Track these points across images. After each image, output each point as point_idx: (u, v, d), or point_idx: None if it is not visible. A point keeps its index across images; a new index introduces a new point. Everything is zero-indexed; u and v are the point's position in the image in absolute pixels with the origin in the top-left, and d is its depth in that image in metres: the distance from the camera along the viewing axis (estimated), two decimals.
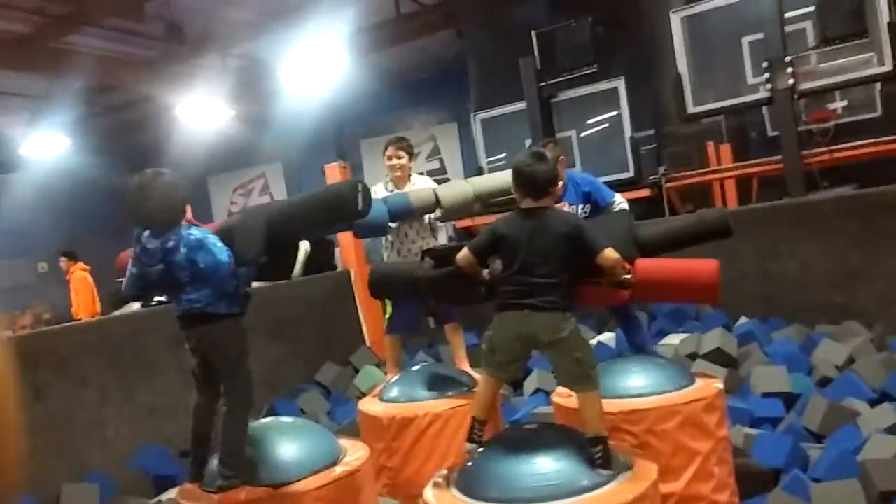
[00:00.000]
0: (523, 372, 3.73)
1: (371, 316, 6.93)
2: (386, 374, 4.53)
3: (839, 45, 7.31)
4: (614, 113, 9.60)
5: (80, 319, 9.37)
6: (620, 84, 9.46)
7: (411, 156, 4.54)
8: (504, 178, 4.02)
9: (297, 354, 6.36)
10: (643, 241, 3.02)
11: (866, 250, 5.52)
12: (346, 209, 2.70)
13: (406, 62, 12.82)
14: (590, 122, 9.84)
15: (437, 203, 4.19)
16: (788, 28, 7.49)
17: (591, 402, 2.53)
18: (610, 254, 2.55)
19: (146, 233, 2.72)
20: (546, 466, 2.36)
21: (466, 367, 4.26)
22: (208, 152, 14.18)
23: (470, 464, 2.54)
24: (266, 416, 4.98)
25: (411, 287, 3.20)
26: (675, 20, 8.08)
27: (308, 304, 6.67)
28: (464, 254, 2.72)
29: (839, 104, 8.89)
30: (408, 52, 12.26)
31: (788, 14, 7.54)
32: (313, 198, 2.82)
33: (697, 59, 8.16)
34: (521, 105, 9.51)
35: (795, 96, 7.36)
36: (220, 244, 2.68)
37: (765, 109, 9.10)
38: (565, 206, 3.97)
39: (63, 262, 9.90)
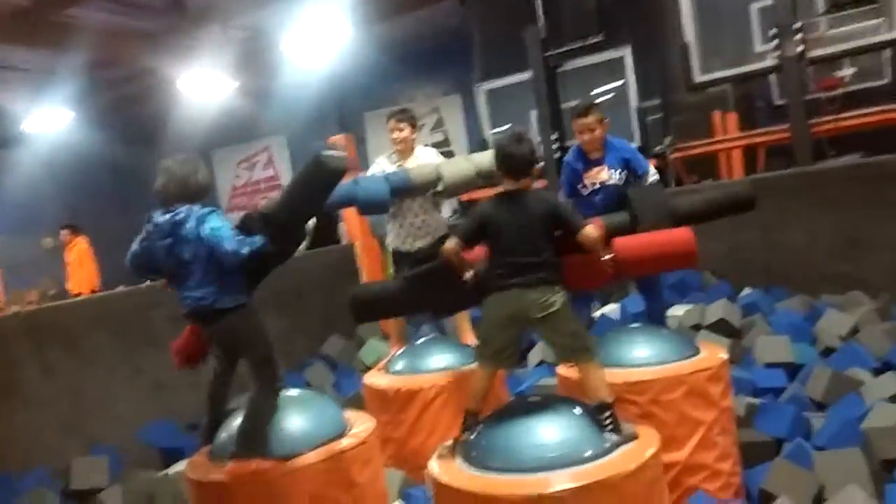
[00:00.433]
0: (521, 353, 3.72)
1: None
2: (391, 347, 4.55)
3: (849, 11, 7.19)
4: (620, 82, 9.50)
5: (78, 294, 9.41)
6: (627, 53, 9.35)
7: (414, 128, 4.50)
8: None
9: (303, 327, 6.40)
10: (678, 212, 3.04)
11: (872, 219, 5.49)
12: (331, 172, 2.67)
13: (409, 32, 12.67)
14: (596, 91, 9.73)
15: (438, 179, 4.17)
16: None
17: (593, 370, 2.55)
18: (589, 231, 2.64)
19: (158, 211, 2.76)
20: (549, 436, 2.39)
21: (470, 339, 4.28)
22: (211, 126, 14.11)
23: (474, 435, 2.56)
24: None
25: (395, 305, 3.21)
26: None
27: (313, 278, 6.68)
28: (450, 244, 2.75)
29: (847, 72, 8.77)
30: (411, 22, 12.12)
31: None
32: (296, 180, 2.81)
33: (704, 27, 8.03)
34: (525, 75, 9.39)
35: (804, 64, 7.26)
36: (227, 222, 2.70)
37: (772, 78, 8.98)
38: (605, 170, 3.92)
39: (64, 235, 9.87)
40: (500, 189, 2.72)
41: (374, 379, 3.83)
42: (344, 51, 11.24)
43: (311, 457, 2.67)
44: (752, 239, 6.02)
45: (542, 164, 3.76)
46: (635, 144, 9.15)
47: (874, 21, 7.16)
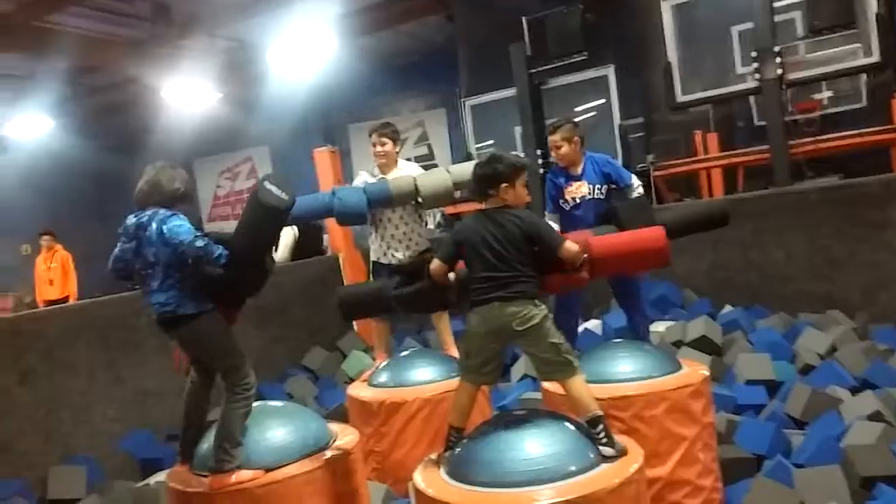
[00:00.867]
0: (504, 368, 3.72)
1: None
2: (375, 359, 4.54)
3: (827, 36, 7.35)
4: (603, 100, 9.60)
5: (66, 299, 9.31)
6: (610, 72, 9.46)
7: (396, 142, 4.50)
8: None
9: (285, 339, 6.36)
10: (662, 225, 3.08)
11: (850, 240, 5.59)
12: (267, 210, 2.67)
13: (395, 46, 12.75)
14: (579, 109, 9.84)
15: (416, 191, 4.19)
16: (778, 18, 7.51)
17: (578, 385, 2.56)
18: (570, 246, 2.68)
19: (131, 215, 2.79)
20: (534, 451, 2.39)
21: (454, 351, 4.28)
22: (194, 135, 14.07)
23: (459, 448, 2.56)
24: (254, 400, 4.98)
25: (380, 305, 3.23)
26: (666, 8, 8.09)
27: (296, 289, 6.66)
28: (435, 265, 2.79)
29: (825, 94, 8.95)
30: (397, 36, 12.20)
31: (778, 4, 7.56)
32: (245, 214, 2.79)
33: (687, 48, 8.17)
34: (510, 91, 9.46)
35: (783, 86, 7.40)
36: (189, 224, 2.71)
37: (752, 99, 9.14)
38: (584, 185, 4.00)
39: (48, 241, 9.73)
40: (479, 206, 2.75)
41: (358, 391, 3.81)
42: (329, 63, 11.28)
43: (294, 468, 2.66)
44: (731, 257, 6.10)
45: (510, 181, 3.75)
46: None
47: (851, 46, 7.33)
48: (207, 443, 2.75)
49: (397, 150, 4.52)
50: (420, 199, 4.25)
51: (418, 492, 2.48)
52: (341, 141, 13.73)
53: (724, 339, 5.10)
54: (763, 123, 8.35)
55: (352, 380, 5.31)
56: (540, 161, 8.66)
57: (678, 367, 3.16)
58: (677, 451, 2.94)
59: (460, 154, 11.83)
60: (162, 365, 4.89)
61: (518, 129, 9.54)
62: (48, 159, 13.78)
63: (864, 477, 2.95)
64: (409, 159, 4.81)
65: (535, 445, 2.41)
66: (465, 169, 3.93)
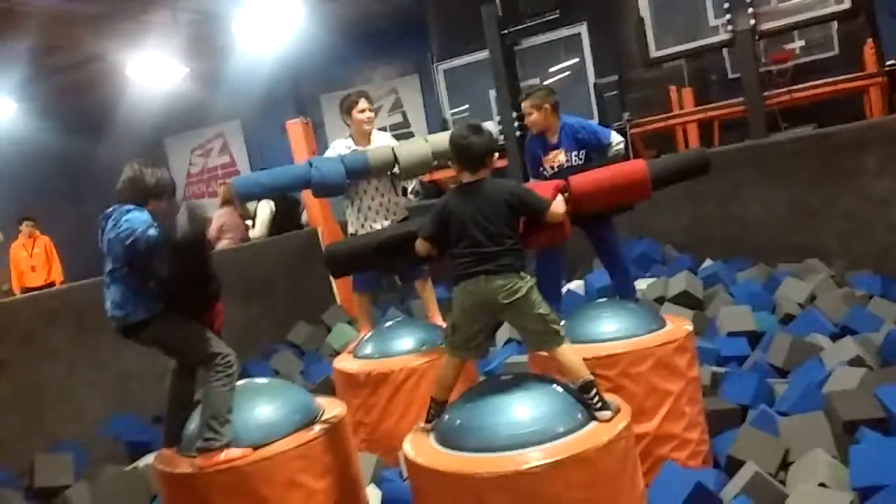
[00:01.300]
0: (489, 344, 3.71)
1: None
2: (359, 331, 4.52)
3: None
4: (577, 59, 9.52)
5: (51, 284, 9.21)
6: (583, 30, 9.37)
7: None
8: None
9: (268, 315, 6.33)
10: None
11: (825, 189, 5.63)
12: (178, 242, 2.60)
13: (364, 12, 12.50)
14: (553, 69, 9.75)
15: (395, 161, 4.14)
16: None
17: (567, 353, 2.56)
18: (556, 208, 2.70)
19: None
20: (522, 414, 2.39)
21: (438, 320, 4.27)
22: (163, 113, 13.78)
23: (447, 415, 2.56)
24: (239, 378, 4.95)
25: (368, 260, 3.22)
26: None
27: (277, 265, 6.61)
28: (420, 243, 2.80)
29: (797, 44, 8.93)
30: (366, 1, 11.96)
31: None
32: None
33: (659, 2, 8.10)
34: (483, 54, 9.37)
35: (756, 37, 7.37)
36: (140, 213, 2.65)
37: (725, 52, 9.11)
38: (561, 154, 3.96)
39: (29, 227, 9.61)
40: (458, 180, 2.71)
41: (344, 363, 3.80)
42: (298, 33, 11.05)
43: (282, 444, 2.64)
44: (710, 212, 6.13)
45: (499, 149, 3.74)
46: (594, 121, 9.25)
47: None
48: (194, 423, 2.72)
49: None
50: (398, 170, 4.21)
51: (409, 461, 2.48)
52: (314, 112, 13.53)
53: (705, 293, 5.15)
54: (737, 76, 8.33)
55: (337, 353, 5.30)
56: (516, 124, 8.61)
57: (662, 324, 3.17)
58: (664, 407, 2.96)
59: (435, 120, 11.71)
60: (143, 347, 4.84)
61: (493, 93, 9.44)
62: (12, 144, 13.43)
63: (847, 421, 3.00)
64: (383, 128, 4.74)
65: (522, 408, 2.42)
66: (444, 138, 3.88)
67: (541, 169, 4.04)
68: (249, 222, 7.70)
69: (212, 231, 7.08)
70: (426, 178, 9.23)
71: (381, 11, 12.61)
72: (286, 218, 7.92)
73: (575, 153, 3.96)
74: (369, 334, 3.97)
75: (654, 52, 8.12)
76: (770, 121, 7.56)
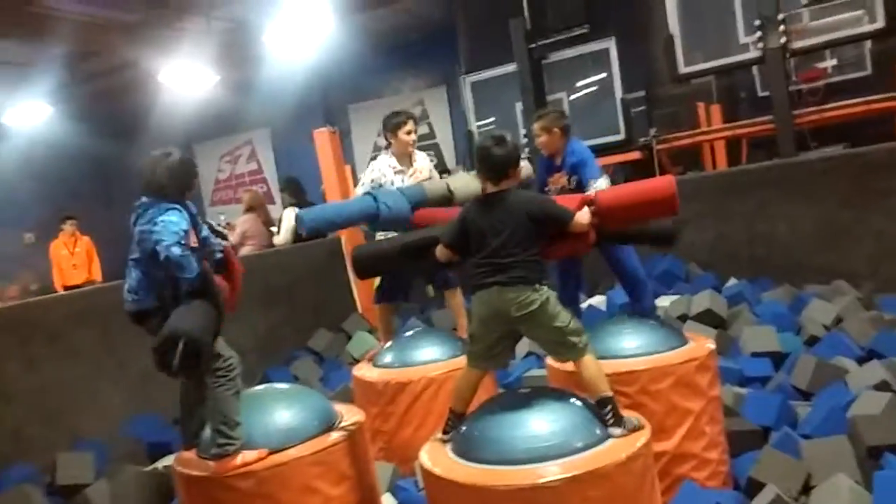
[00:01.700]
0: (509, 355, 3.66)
1: (362, 282, 6.92)
2: (379, 340, 4.53)
3: (831, 2, 7.24)
4: (605, 74, 9.50)
5: (91, 282, 9.43)
6: (611, 45, 9.34)
7: None
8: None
9: (290, 322, 6.37)
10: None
11: (855, 210, 5.55)
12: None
13: (394, 24, 12.59)
14: (580, 84, 9.74)
15: (450, 196, 4.18)
16: None
17: (587, 366, 2.54)
18: (581, 219, 2.69)
19: None
20: (540, 428, 2.38)
21: (465, 335, 4.27)
22: (193, 119, 13.97)
23: (465, 427, 2.56)
24: (259, 383, 4.99)
25: (393, 262, 3.23)
26: None
27: (299, 272, 6.65)
28: (441, 249, 2.81)
29: (829, 63, 8.84)
30: (395, 13, 12.05)
31: None
32: None
33: (689, 18, 8.06)
34: (511, 67, 9.38)
35: (787, 55, 7.30)
36: (179, 219, 2.65)
37: (755, 69, 9.04)
38: (563, 177, 4.00)
39: (72, 226, 9.83)
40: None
41: (363, 371, 3.82)
42: (328, 43, 11.16)
43: (300, 450, 2.66)
44: (736, 230, 6.07)
45: (525, 164, 3.76)
46: (620, 136, 9.22)
47: (855, 13, 7.21)
48: (209, 428, 2.74)
49: None
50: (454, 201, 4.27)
51: (425, 471, 2.48)
52: (341, 121, 13.63)
53: (729, 312, 5.08)
54: (767, 94, 8.25)
55: (357, 361, 5.32)
56: None
57: (684, 342, 3.14)
58: (684, 425, 2.93)
59: (462, 132, 11.74)
60: None
61: (519, 105, 9.45)
62: (47, 146, 13.72)
63: (872, 446, 2.95)
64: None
65: (540, 422, 2.41)
66: None
67: (546, 189, 4.10)
68: (274, 228, 7.78)
69: (234, 237, 7.17)
70: None
71: (410, 23, 12.70)
72: None
73: (573, 178, 4.00)
74: (389, 343, 3.98)
75: (683, 69, 8.07)
76: (799, 139, 7.47)
